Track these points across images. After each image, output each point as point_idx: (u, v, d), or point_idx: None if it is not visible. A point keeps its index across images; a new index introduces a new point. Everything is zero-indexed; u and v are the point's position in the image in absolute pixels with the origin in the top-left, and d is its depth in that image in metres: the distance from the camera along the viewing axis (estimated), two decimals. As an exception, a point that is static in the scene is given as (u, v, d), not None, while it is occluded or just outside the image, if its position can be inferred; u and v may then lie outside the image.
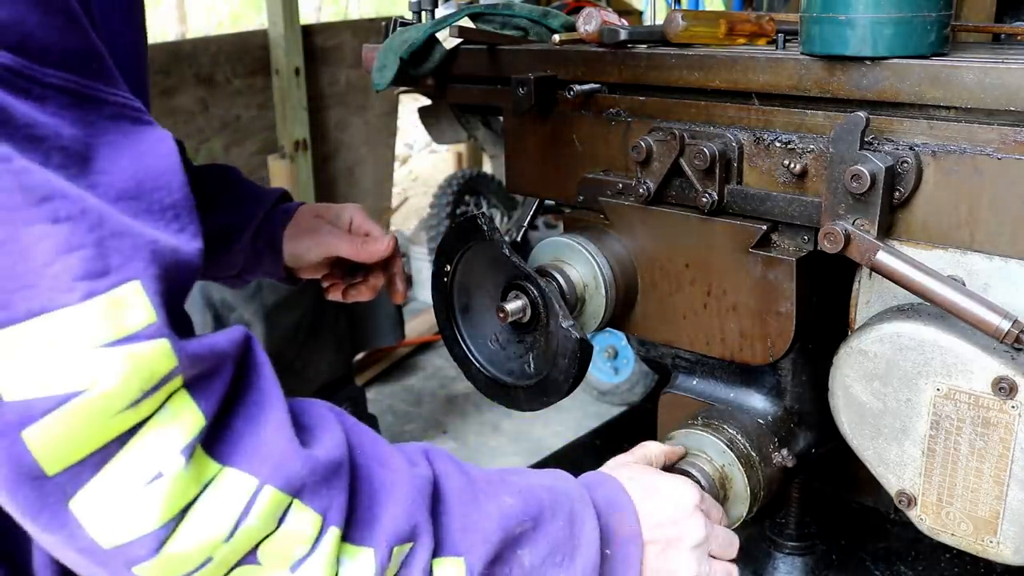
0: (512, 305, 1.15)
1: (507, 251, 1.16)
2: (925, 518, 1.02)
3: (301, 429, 0.68)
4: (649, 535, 0.90)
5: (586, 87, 1.21)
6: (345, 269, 1.34)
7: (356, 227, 1.31)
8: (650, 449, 1.08)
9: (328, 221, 1.30)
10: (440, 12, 1.37)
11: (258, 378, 0.67)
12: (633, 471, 0.97)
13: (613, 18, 1.24)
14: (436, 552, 0.74)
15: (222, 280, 1.35)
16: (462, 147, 6.08)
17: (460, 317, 1.27)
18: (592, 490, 0.90)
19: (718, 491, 1.15)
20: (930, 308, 0.97)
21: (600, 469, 0.98)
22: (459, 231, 1.23)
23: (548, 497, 0.83)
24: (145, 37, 0.84)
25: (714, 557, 0.97)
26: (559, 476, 0.90)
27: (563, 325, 1.10)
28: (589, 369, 1.13)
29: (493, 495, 0.79)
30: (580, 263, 1.20)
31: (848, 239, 0.97)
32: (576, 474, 0.93)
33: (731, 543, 1.00)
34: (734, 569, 0.99)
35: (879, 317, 1.02)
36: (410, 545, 0.72)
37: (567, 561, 0.82)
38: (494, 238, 1.17)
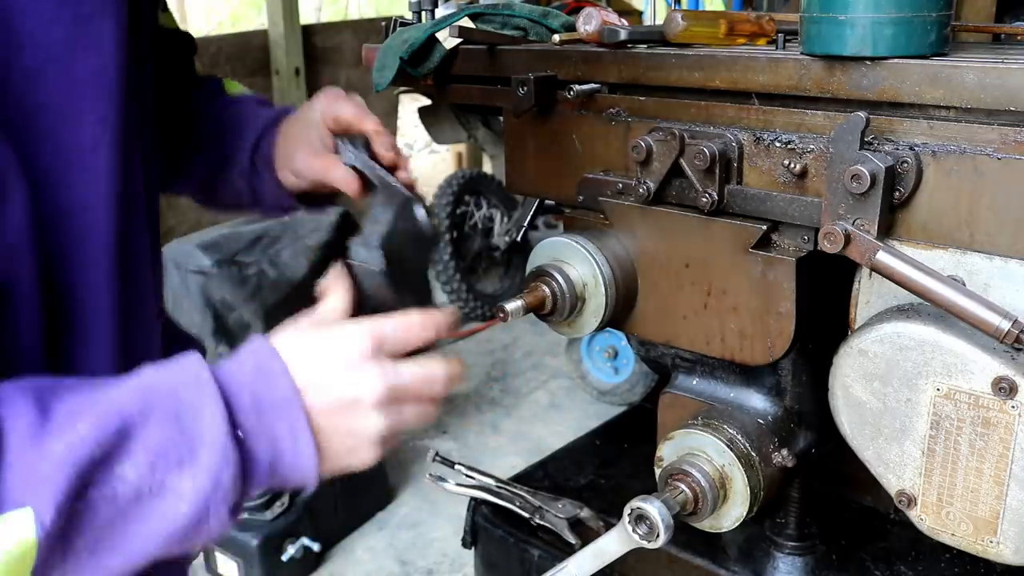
0: (512, 305, 1.15)
1: None
2: (925, 518, 1.02)
3: None
4: (315, 399, 0.81)
5: (586, 87, 1.21)
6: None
7: (339, 121, 1.14)
8: (329, 304, 0.91)
9: (307, 142, 1.14)
10: (440, 12, 1.37)
11: None
12: (297, 332, 0.85)
13: (613, 18, 1.24)
14: None
15: (245, 210, 1.28)
16: (462, 147, 6.08)
17: None
18: (234, 363, 0.82)
19: (718, 491, 1.15)
20: (930, 308, 0.97)
21: (270, 336, 0.86)
22: None
23: (138, 402, 0.77)
24: (115, 60, 0.77)
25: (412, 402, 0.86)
26: (172, 367, 0.81)
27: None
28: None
29: (67, 427, 0.74)
30: (580, 263, 1.20)
31: (848, 239, 0.97)
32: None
33: (430, 380, 0.87)
34: (433, 407, 0.88)
35: (879, 317, 1.02)
36: None
37: (188, 457, 0.76)
38: None
